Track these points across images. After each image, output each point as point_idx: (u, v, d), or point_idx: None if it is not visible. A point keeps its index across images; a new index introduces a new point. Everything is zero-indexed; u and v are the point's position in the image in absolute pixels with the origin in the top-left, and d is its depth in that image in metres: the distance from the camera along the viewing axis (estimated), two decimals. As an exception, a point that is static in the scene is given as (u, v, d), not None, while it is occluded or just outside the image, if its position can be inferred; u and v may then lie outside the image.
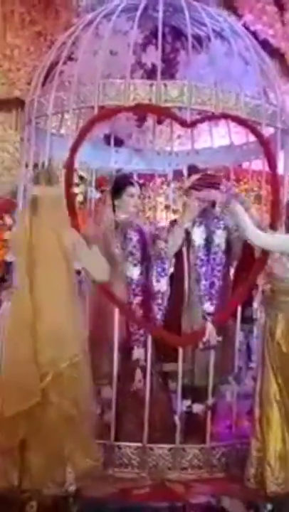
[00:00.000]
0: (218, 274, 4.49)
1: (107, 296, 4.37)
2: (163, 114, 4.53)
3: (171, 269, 4.67)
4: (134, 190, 4.72)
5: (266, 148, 4.56)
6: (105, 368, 4.38)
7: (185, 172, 4.66)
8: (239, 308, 4.48)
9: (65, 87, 4.63)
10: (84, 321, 4.36)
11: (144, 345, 4.37)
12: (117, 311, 4.34)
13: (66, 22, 7.40)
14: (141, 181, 6.88)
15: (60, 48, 4.83)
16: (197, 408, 4.41)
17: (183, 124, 4.51)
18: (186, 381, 4.42)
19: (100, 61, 4.51)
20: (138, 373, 4.37)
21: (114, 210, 4.63)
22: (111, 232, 4.55)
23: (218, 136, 5.63)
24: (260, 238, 4.22)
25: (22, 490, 3.58)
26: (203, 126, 5.47)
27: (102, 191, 5.56)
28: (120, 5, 4.74)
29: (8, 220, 6.77)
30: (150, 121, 5.77)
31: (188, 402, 4.41)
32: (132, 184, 4.75)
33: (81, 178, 6.89)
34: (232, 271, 4.65)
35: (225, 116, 4.51)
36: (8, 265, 5.75)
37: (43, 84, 4.81)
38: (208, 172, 4.69)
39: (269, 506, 3.86)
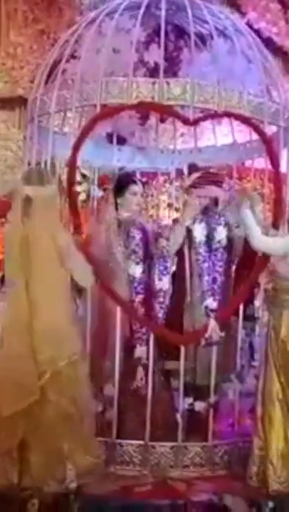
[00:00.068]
0: (219, 270, 4.49)
1: (109, 294, 4.37)
2: (165, 112, 4.53)
3: (174, 268, 4.66)
4: (136, 188, 4.72)
5: (269, 147, 4.55)
6: (108, 366, 4.38)
7: (185, 170, 4.65)
8: (241, 307, 4.48)
9: (67, 85, 4.62)
10: (86, 320, 4.41)
11: (146, 344, 4.37)
12: (119, 309, 4.34)
13: (69, 20, 7.40)
14: (144, 179, 6.91)
15: (62, 46, 4.83)
16: (199, 406, 4.41)
17: (185, 122, 4.51)
18: (188, 379, 4.43)
19: (103, 59, 4.51)
20: (140, 371, 4.38)
21: (116, 209, 4.64)
22: (113, 231, 4.55)
23: (221, 135, 5.62)
24: (265, 244, 4.22)
25: (23, 488, 3.59)
26: (207, 125, 5.47)
27: (104, 189, 5.55)
28: (123, 3, 4.74)
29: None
30: (153, 119, 5.77)
31: (190, 400, 4.40)
32: (134, 182, 4.75)
33: (84, 176, 6.88)
34: (234, 267, 4.64)
35: (228, 114, 4.50)
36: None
37: (46, 82, 4.81)
38: (209, 170, 4.68)
39: (271, 504, 3.86)
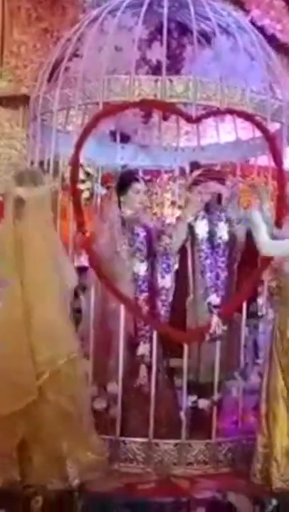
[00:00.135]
0: (222, 266, 4.50)
1: (113, 292, 4.37)
2: (168, 109, 4.53)
3: (176, 265, 4.67)
4: (139, 186, 4.72)
5: (272, 144, 4.55)
6: (112, 364, 4.39)
7: (187, 168, 4.66)
8: (244, 304, 4.48)
9: (70, 83, 4.63)
10: (89, 318, 4.42)
11: (150, 341, 4.38)
12: (122, 307, 4.34)
13: (72, 18, 7.37)
14: (148, 177, 6.92)
15: (65, 45, 4.84)
16: (203, 404, 4.41)
17: (188, 119, 4.51)
18: (192, 377, 4.43)
19: (105, 57, 4.51)
20: (143, 369, 4.38)
21: (119, 207, 4.64)
22: (117, 229, 4.56)
23: (225, 132, 5.61)
24: (272, 250, 4.21)
25: (26, 485, 3.59)
26: (210, 122, 5.47)
27: (108, 188, 5.56)
28: (125, 1, 4.74)
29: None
30: (156, 117, 5.77)
31: (193, 398, 4.40)
32: (137, 180, 4.76)
33: (87, 174, 6.88)
34: (236, 263, 4.64)
35: (230, 111, 4.50)
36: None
37: (49, 80, 4.82)
38: (211, 167, 4.68)
39: (274, 502, 3.85)
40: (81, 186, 6.10)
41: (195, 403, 4.41)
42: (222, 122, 5.54)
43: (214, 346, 4.39)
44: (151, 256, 4.57)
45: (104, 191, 5.58)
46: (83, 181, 6.53)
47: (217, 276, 4.48)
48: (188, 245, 4.55)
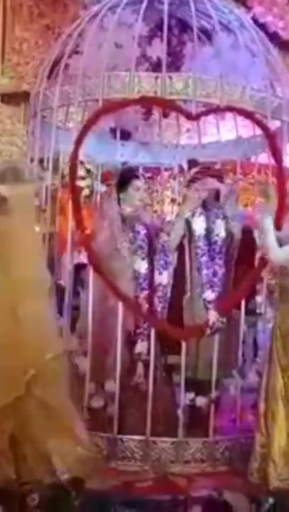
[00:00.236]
0: (219, 262, 4.49)
1: (111, 289, 4.36)
2: (168, 106, 4.51)
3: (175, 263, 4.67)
4: (140, 183, 4.72)
5: (272, 141, 4.54)
6: (111, 362, 4.38)
7: (185, 166, 4.65)
8: (243, 302, 4.47)
9: (70, 80, 4.62)
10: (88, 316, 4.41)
11: (148, 339, 4.37)
12: (120, 304, 4.33)
13: (74, 15, 7.36)
14: (149, 175, 6.91)
15: (65, 41, 4.82)
16: (200, 401, 4.40)
17: (188, 116, 4.50)
18: (190, 373, 4.42)
19: (105, 54, 4.50)
20: (140, 367, 4.38)
21: (119, 204, 4.63)
22: (117, 226, 4.55)
23: (225, 130, 5.60)
24: (282, 257, 4.18)
25: (22, 482, 3.59)
26: (211, 120, 5.45)
27: (108, 185, 5.55)
28: (125, -4, 4.73)
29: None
30: (157, 114, 5.76)
31: (191, 395, 4.39)
32: (137, 177, 4.75)
33: (88, 171, 6.87)
34: (233, 260, 4.64)
35: (230, 108, 4.49)
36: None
37: (49, 77, 4.80)
38: (208, 165, 4.68)
39: (271, 501, 3.83)
40: (81, 183, 6.10)
41: (193, 401, 4.39)
42: (223, 120, 5.54)
43: (212, 343, 4.38)
44: (151, 253, 4.56)
45: (104, 188, 5.58)
46: (83, 178, 6.53)
47: (214, 273, 4.48)
48: (186, 242, 4.54)
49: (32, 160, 4.87)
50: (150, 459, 4.29)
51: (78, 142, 4.40)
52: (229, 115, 5.04)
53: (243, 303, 4.47)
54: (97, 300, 4.45)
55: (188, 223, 4.54)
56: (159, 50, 5.61)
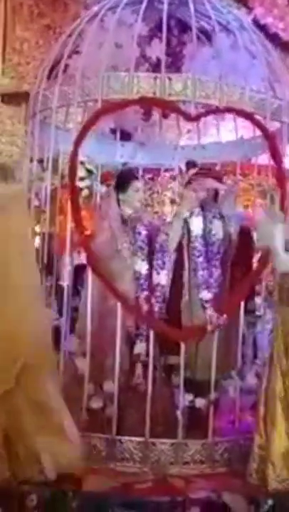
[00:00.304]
0: (215, 263, 4.49)
1: (111, 290, 4.36)
2: (167, 107, 4.50)
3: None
4: (139, 184, 4.73)
5: (271, 142, 4.53)
6: (111, 363, 4.37)
7: (183, 167, 4.65)
8: (242, 303, 4.47)
9: (70, 80, 4.61)
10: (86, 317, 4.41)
11: (147, 340, 4.36)
12: (119, 305, 4.33)
13: (74, 15, 7.33)
14: (150, 176, 6.90)
15: (65, 42, 4.82)
16: (200, 403, 4.39)
17: (187, 117, 4.50)
18: (189, 374, 4.41)
19: (105, 54, 4.49)
20: (138, 368, 4.37)
21: (118, 205, 4.63)
22: (117, 227, 4.55)
23: (226, 131, 5.59)
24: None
25: (20, 481, 3.58)
26: (211, 121, 5.45)
27: (107, 186, 5.54)
28: (125, -3, 4.72)
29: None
30: (157, 115, 5.76)
31: (190, 397, 4.38)
32: (137, 179, 4.76)
33: (89, 171, 6.86)
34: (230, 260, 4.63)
35: (229, 109, 4.48)
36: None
37: (49, 77, 4.80)
38: (206, 166, 4.68)
39: (270, 502, 3.82)
40: (81, 184, 6.09)
41: (192, 402, 4.39)
42: (223, 121, 5.53)
43: (212, 343, 4.36)
44: (150, 254, 4.56)
45: (103, 189, 5.57)
46: (83, 179, 6.52)
47: (210, 274, 4.48)
48: (184, 242, 4.54)
49: (31, 160, 4.86)
50: (149, 460, 4.29)
51: (77, 143, 4.40)
52: (229, 116, 5.03)
53: (242, 304, 4.46)
54: (96, 301, 4.44)
55: (186, 223, 4.53)
56: (158, 51, 5.60)
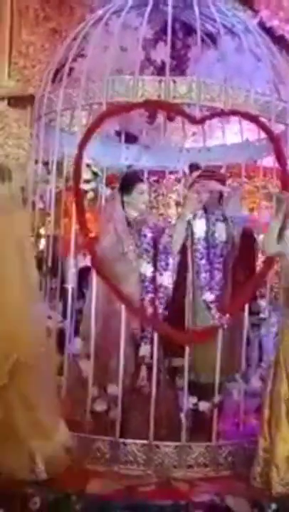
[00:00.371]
0: (218, 266, 4.50)
1: (115, 293, 4.36)
2: (172, 110, 4.51)
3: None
4: (144, 187, 4.73)
5: (276, 145, 4.53)
6: (114, 365, 4.37)
7: (186, 170, 4.65)
8: (246, 306, 4.46)
9: (74, 83, 4.62)
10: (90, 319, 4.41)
11: (151, 342, 4.36)
12: (124, 308, 4.33)
13: (80, 18, 7.34)
14: (155, 178, 6.92)
15: (69, 45, 4.83)
16: (204, 406, 4.38)
17: (192, 120, 4.50)
18: (193, 377, 4.41)
19: (110, 57, 4.50)
20: (143, 370, 4.37)
21: (123, 207, 4.63)
22: (123, 230, 4.55)
23: (231, 133, 5.59)
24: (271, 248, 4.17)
25: (23, 482, 3.59)
26: (217, 123, 5.45)
27: (112, 188, 5.56)
28: (130, 0, 4.72)
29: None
30: (162, 118, 5.77)
31: (194, 399, 4.37)
32: (141, 181, 4.75)
33: (95, 174, 6.87)
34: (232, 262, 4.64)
35: (234, 112, 4.48)
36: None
37: (54, 81, 4.81)
38: (211, 168, 4.68)
39: (274, 506, 3.81)
40: (86, 187, 6.10)
41: (196, 405, 4.38)
42: (228, 123, 5.53)
43: (216, 346, 4.35)
44: (156, 256, 4.56)
45: (108, 192, 5.58)
46: (88, 181, 6.53)
47: (212, 277, 4.48)
48: (188, 245, 4.54)
49: (36, 162, 4.87)
50: (153, 463, 4.27)
51: (82, 145, 4.40)
52: (235, 118, 5.03)
53: (246, 307, 4.46)
54: (101, 303, 4.44)
55: (190, 225, 4.54)
56: (163, 54, 5.60)
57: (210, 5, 4.70)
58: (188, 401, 4.35)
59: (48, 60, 7.39)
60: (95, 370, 4.35)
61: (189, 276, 4.54)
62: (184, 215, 4.53)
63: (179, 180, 6.10)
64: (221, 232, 4.54)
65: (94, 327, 4.38)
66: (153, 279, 4.50)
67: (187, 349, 4.33)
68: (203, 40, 4.82)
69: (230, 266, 4.59)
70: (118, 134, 5.86)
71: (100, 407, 4.33)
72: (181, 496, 3.93)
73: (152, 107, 4.65)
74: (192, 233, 4.54)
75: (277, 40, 7.01)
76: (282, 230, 4.07)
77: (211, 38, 5.10)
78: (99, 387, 4.37)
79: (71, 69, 4.75)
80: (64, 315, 4.80)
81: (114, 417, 4.30)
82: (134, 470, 4.27)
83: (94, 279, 4.42)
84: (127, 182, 4.71)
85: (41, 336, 3.78)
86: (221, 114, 4.50)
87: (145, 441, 4.28)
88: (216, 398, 4.38)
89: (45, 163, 4.94)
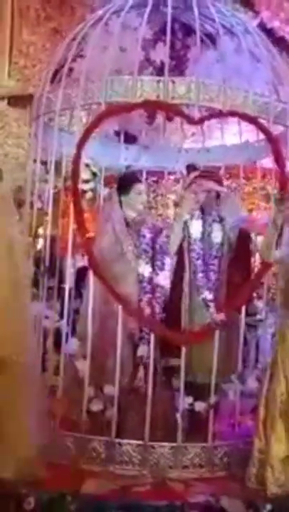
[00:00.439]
0: (214, 268, 4.51)
1: (112, 293, 4.35)
2: (170, 110, 4.50)
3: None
4: (142, 187, 4.73)
5: (274, 146, 4.52)
6: (112, 365, 4.37)
7: (184, 171, 4.65)
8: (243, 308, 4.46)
9: (73, 83, 4.62)
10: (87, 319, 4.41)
11: (149, 342, 4.36)
12: (120, 308, 4.33)
13: (81, 18, 7.35)
14: (154, 179, 6.92)
15: (69, 45, 4.83)
16: (199, 406, 4.38)
17: (190, 121, 4.49)
18: (190, 377, 4.40)
19: (109, 57, 4.49)
20: (141, 370, 4.37)
21: (121, 207, 4.63)
22: (121, 230, 4.55)
23: (231, 134, 5.59)
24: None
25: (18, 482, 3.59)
26: (216, 124, 5.44)
27: (111, 188, 5.56)
28: (130, 1, 4.72)
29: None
30: (161, 118, 5.77)
31: (190, 400, 4.37)
32: (139, 181, 4.75)
33: (94, 174, 6.87)
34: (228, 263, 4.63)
35: (233, 113, 4.47)
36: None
37: (53, 80, 4.81)
38: (209, 169, 4.68)
39: (269, 507, 3.81)
40: (85, 186, 6.10)
41: (192, 406, 4.37)
42: (227, 124, 5.52)
43: (212, 347, 4.35)
44: (154, 257, 4.56)
45: (106, 191, 5.58)
46: (87, 181, 6.54)
47: (208, 277, 4.48)
48: (185, 245, 4.54)
49: (35, 161, 4.87)
50: (148, 463, 4.27)
51: (80, 145, 4.39)
52: (234, 119, 5.01)
53: (243, 308, 4.46)
54: (98, 303, 4.44)
55: (186, 226, 4.54)
56: (162, 54, 5.59)
57: (209, 5, 4.69)
58: (184, 401, 4.35)
59: (49, 59, 7.41)
60: (92, 371, 4.34)
61: (186, 276, 4.54)
62: (181, 216, 4.54)
63: (178, 181, 6.10)
64: (217, 234, 4.54)
65: (91, 327, 4.38)
66: (151, 280, 4.50)
67: (183, 349, 4.32)
68: (202, 41, 4.81)
69: (226, 267, 4.59)
70: (117, 134, 5.86)
71: (96, 407, 4.33)
72: (177, 496, 3.93)
73: (151, 108, 4.64)
74: (189, 234, 4.54)
75: (278, 41, 7.01)
76: (279, 236, 4.09)
77: (211, 39, 5.09)
78: (95, 388, 4.36)
79: (70, 69, 4.74)
80: (62, 315, 4.80)
81: (111, 418, 4.30)
82: (129, 470, 4.26)
83: (91, 279, 4.42)
84: (125, 182, 4.72)
85: (25, 336, 3.77)
86: (220, 114, 4.49)
87: (140, 442, 4.28)
88: (212, 399, 4.38)
89: (44, 163, 4.93)
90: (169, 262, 4.54)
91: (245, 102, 4.42)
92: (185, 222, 4.54)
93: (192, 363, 4.41)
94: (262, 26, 7.20)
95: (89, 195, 6.55)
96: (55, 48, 7.55)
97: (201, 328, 4.47)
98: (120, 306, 4.32)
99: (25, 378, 3.70)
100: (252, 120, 4.50)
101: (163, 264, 4.49)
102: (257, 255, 4.63)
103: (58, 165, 4.91)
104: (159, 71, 5.49)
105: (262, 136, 4.84)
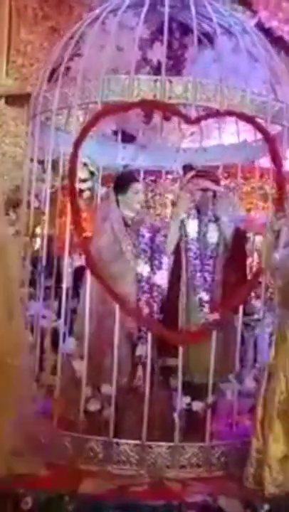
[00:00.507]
0: (209, 268, 4.51)
1: (109, 293, 4.35)
2: (167, 110, 4.50)
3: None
4: (139, 186, 4.73)
5: (272, 145, 4.52)
6: (109, 365, 4.37)
7: (180, 171, 4.64)
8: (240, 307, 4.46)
9: (70, 82, 4.61)
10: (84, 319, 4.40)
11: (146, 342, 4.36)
12: (118, 307, 4.32)
13: (79, 17, 7.35)
14: (152, 178, 6.92)
15: (66, 44, 4.82)
16: (197, 406, 4.38)
17: (187, 120, 4.49)
18: (187, 377, 4.40)
19: (106, 56, 4.49)
20: (139, 370, 4.37)
21: (118, 206, 4.63)
22: (119, 230, 4.55)
23: (228, 134, 5.58)
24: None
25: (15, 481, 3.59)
26: (214, 124, 5.44)
27: (108, 187, 5.56)
28: (126, 0, 4.71)
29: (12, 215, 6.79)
30: (158, 117, 5.78)
31: (187, 399, 4.36)
32: (137, 181, 4.75)
33: (92, 173, 6.87)
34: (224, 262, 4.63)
35: (230, 113, 4.46)
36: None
37: (50, 79, 4.80)
38: (206, 169, 4.68)
39: (266, 507, 3.81)
40: (82, 186, 6.10)
41: (189, 405, 4.37)
42: (225, 124, 5.52)
43: (210, 347, 4.35)
44: (152, 256, 4.56)
45: (103, 191, 5.58)
46: (85, 180, 6.53)
47: (204, 277, 4.48)
48: (182, 245, 4.54)
49: (31, 161, 4.86)
50: (146, 463, 4.26)
51: (77, 144, 4.39)
52: (231, 119, 5.01)
53: (240, 308, 4.45)
54: (95, 302, 4.44)
55: (183, 225, 4.53)
56: (159, 54, 5.59)
57: (206, 5, 4.68)
58: (181, 401, 4.34)
59: (46, 58, 7.41)
60: (89, 370, 4.34)
61: (183, 275, 4.54)
62: (178, 215, 4.53)
63: (175, 180, 6.10)
64: (212, 234, 4.54)
65: (88, 327, 4.37)
66: (149, 279, 4.50)
67: (181, 349, 4.32)
68: (200, 40, 4.80)
69: (222, 267, 4.59)
70: (115, 133, 5.86)
71: (94, 406, 4.33)
72: (174, 496, 3.92)
73: (148, 107, 4.65)
74: (186, 233, 4.54)
75: (276, 41, 7.01)
76: (277, 238, 4.09)
77: (208, 38, 5.08)
78: (93, 387, 4.36)
79: (67, 68, 4.73)
80: (59, 314, 4.79)
81: (108, 417, 4.30)
82: (127, 470, 4.26)
83: (88, 278, 4.41)
84: (122, 181, 4.72)
85: (17, 338, 3.77)
86: (217, 114, 4.48)
87: (138, 442, 4.27)
88: (210, 398, 4.37)
89: (41, 162, 4.93)
90: (167, 261, 4.54)
91: (243, 102, 4.41)
92: (182, 222, 4.55)
93: (190, 363, 4.41)
94: (260, 26, 7.19)
95: (87, 194, 6.54)
96: (53, 46, 7.60)
97: (199, 327, 4.46)
98: (118, 306, 4.31)
99: (19, 380, 3.69)
100: (249, 120, 4.49)
101: (160, 263, 4.50)
102: (255, 255, 4.64)
103: (55, 164, 4.90)
104: (156, 70, 5.50)
105: (259, 135, 4.85)
